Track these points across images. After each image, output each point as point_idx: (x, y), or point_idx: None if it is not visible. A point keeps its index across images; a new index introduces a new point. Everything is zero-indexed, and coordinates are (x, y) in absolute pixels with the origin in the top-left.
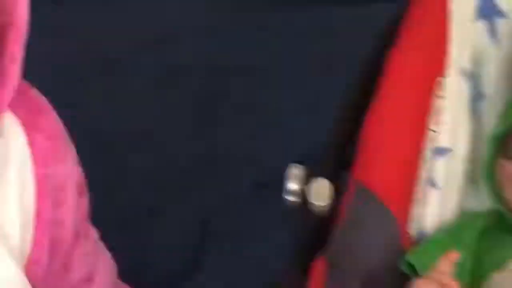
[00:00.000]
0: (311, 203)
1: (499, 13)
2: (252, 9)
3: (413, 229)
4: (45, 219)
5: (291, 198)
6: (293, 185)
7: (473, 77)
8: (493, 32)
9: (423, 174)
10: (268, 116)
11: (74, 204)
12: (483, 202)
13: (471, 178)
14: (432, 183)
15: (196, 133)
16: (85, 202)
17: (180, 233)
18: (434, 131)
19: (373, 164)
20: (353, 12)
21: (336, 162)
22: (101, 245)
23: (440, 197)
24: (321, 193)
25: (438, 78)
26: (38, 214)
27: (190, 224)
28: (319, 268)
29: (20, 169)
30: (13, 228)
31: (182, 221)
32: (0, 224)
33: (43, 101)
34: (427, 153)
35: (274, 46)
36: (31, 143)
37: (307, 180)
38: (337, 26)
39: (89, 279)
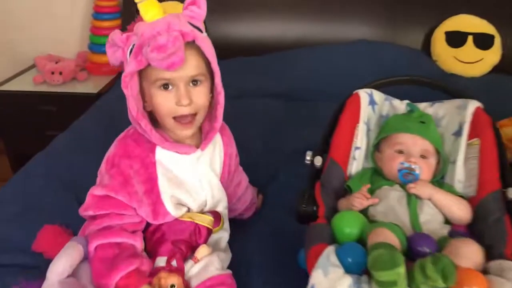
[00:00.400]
0: (315, 164)
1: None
2: None
3: (348, 173)
4: (226, 164)
5: (307, 161)
6: (308, 157)
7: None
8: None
9: (351, 156)
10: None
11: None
12: (370, 165)
13: (366, 156)
14: (354, 158)
15: None
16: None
17: None
18: (355, 140)
19: (333, 150)
20: None
21: (323, 149)
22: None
23: (356, 164)
24: (317, 160)
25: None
26: (224, 164)
27: None
28: (318, 185)
29: (220, 149)
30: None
31: None
32: (214, 167)
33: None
34: (353, 147)
35: None
36: (222, 139)
37: (313, 156)
38: None
39: (239, 183)
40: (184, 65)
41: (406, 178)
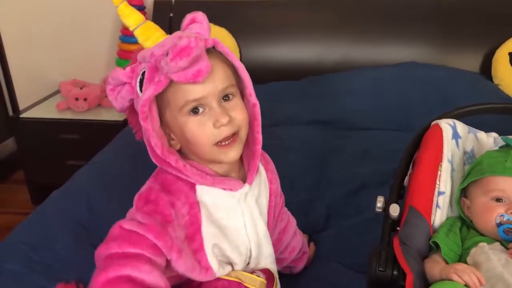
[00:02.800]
0: (391, 214)
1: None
2: None
3: (431, 225)
4: (271, 205)
5: (379, 210)
6: (379, 204)
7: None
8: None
9: (434, 203)
10: None
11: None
12: (455, 213)
13: (450, 203)
14: (438, 206)
15: None
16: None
17: None
18: (438, 183)
19: (413, 195)
20: None
21: (399, 194)
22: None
23: (440, 213)
24: (394, 210)
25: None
26: (269, 204)
27: None
28: (396, 242)
29: (265, 185)
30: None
31: None
32: (261, 208)
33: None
34: (436, 192)
35: None
36: (266, 173)
37: (387, 203)
38: None
39: (285, 228)
40: (211, 76)
41: (509, 235)
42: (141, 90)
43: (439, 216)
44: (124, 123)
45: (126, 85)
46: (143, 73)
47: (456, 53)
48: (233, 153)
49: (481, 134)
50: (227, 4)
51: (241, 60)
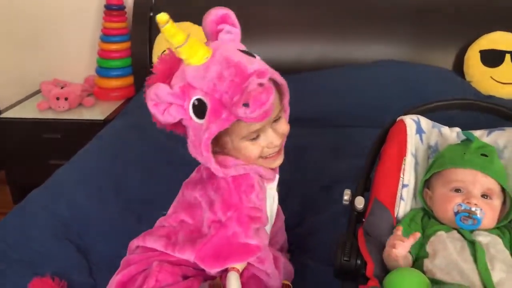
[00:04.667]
0: (356, 206)
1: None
2: None
3: (395, 216)
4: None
5: (345, 202)
6: (346, 197)
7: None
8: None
9: (398, 195)
10: None
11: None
12: (420, 205)
13: (414, 196)
14: (402, 198)
15: None
16: None
17: None
18: (402, 176)
19: (378, 188)
20: None
21: (365, 188)
22: None
23: (404, 205)
24: (359, 202)
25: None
26: None
27: None
28: (360, 233)
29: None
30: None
31: None
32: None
33: None
34: (400, 185)
35: None
36: None
37: (353, 196)
38: None
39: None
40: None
41: (465, 223)
42: (196, 116)
43: (403, 208)
44: (105, 122)
45: (173, 106)
46: (199, 100)
47: (431, 51)
48: (279, 161)
49: (445, 129)
50: (207, 2)
51: None
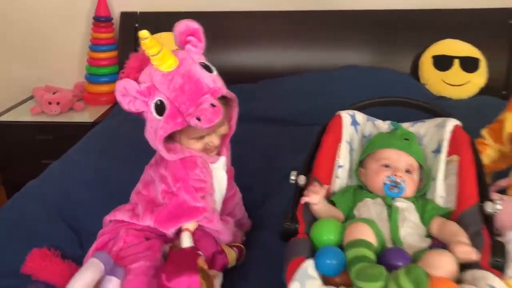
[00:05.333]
0: (298, 183)
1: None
2: None
3: (331, 191)
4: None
5: (292, 181)
6: (292, 177)
7: (350, 144)
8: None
9: (334, 174)
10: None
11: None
12: (354, 183)
13: (350, 176)
14: (337, 176)
15: None
16: None
17: None
18: (338, 159)
19: (316, 168)
20: None
21: (308, 169)
22: None
23: (339, 182)
24: (301, 179)
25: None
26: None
27: None
28: (300, 204)
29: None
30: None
31: None
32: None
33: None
34: (336, 165)
35: None
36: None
37: (297, 175)
38: None
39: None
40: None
41: (391, 191)
42: (156, 113)
43: (338, 185)
44: (94, 124)
45: (138, 100)
46: (161, 102)
47: (392, 57)
48: (215, 152)
49: (378, 122)
50: (189, 14)
51: None
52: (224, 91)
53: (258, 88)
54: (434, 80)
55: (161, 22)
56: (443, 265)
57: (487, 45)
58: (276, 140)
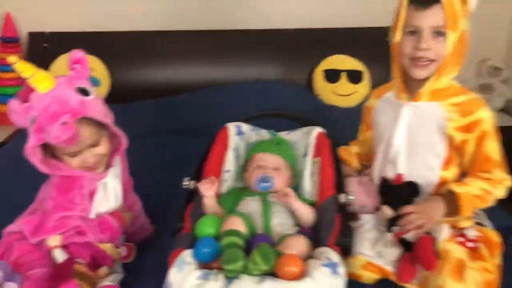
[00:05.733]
0: (190, 188)
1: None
2: None
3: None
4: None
5: (184, 186)
6: (185, 182)
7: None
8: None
9: (221, 178)
10: None
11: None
12: (242, 184)
13: (238, 179)
14: (224, 180)
15: None
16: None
17: None
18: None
19: (206, 174)
20: None
21: (198, 175)
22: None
23: (226, 185)
24: (192, 184)
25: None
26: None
27: None
28: (190, 205)
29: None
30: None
31: None
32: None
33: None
34: (223, 170)
35: None
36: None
37: (189, 181)
38: None
39: (133, 204)
40: (79, 139)
41: (263, 185)
42: (31, 129)
43: (226, 187)
44: (2, 144)
45: (21, 116)
46: (32, 119)
47: (293, 71)
48: (100, 170)
49: (262, 131)
50: (99, 34)
51: (113, 84)
52: (90, 113)
53: (172, 102)
54: (325, 91)
55: (70, 42)
56: (295, 245)
57: (368, 59)
58: (185, 150)
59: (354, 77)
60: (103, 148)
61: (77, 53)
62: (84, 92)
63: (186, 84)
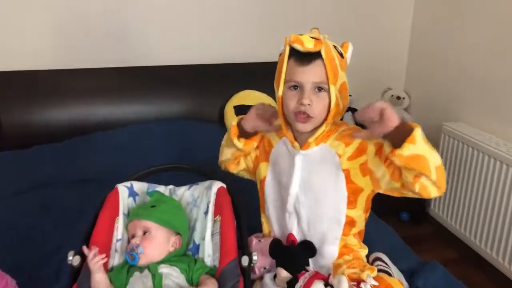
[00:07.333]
0: (73, 264)
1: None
2: None
3: (110, 266)
4: None
5: (69, 262)
6: (70, 257)
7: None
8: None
9: (112, 248)
10: None
11: None
12: None
13: None
14: (116, 250)
15: None
16: None
17: None
18: (115, 232)
19: (92, 246)
20: None
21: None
22: None
23: (118, 256)
24: (75, 260)
25: (116, 218)
26: None
27: None
28: (75, 285)
29: None
30: None
31: None
32: None
33: None
34: (114, 239)
35: None
36: None
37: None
38: None
39: None
40: None
41: (131, 259)
42: None
43: (117, 258)
44: None
45: None
46: None
47: (205, 107)
48: None
49: (160, 188)
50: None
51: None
52: None
53: (67, 146)
54: None
55: None
56: None
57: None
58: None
59: None
60: None
61: None
62: None
63: (84, 125)
